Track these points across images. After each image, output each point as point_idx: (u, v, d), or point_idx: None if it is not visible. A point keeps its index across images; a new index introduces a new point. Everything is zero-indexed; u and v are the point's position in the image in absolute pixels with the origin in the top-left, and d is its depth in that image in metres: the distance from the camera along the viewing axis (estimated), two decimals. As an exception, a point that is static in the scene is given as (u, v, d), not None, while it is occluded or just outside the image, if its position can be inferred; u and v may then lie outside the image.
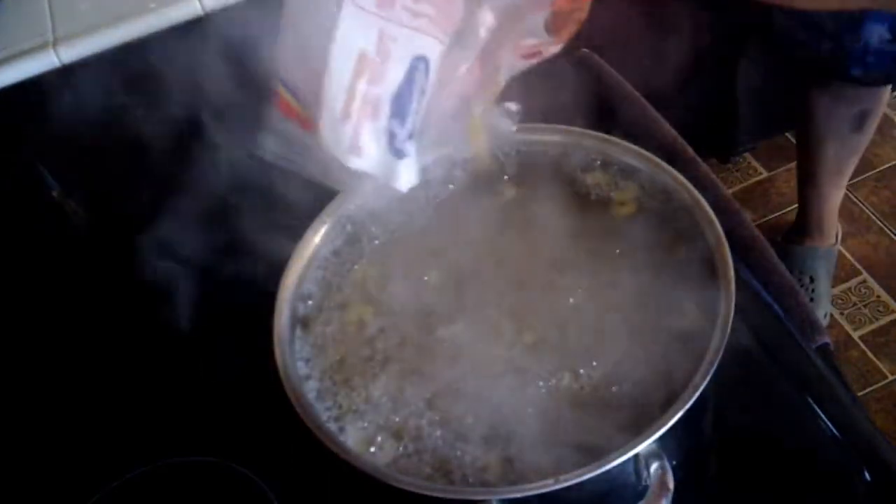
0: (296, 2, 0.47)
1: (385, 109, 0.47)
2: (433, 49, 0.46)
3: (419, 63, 0.46)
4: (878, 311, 1.62)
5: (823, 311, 1.60)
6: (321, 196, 0.70)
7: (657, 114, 0.91)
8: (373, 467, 0.55)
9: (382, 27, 0.45)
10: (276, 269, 0.66)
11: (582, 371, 0.60)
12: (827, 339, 0.75)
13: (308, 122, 0.50)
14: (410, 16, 0.45)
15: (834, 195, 1.57)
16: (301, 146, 0.51)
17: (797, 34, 1.34)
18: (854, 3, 0.75)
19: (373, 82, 0.47)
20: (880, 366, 1.55)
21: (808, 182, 1.58)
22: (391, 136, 0.48)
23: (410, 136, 0.49)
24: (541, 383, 0.60)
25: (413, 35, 0.46)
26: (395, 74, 0.47)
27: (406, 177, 0.51)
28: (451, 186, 0.72)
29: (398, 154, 0.49)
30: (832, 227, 1.62)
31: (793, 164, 1.81)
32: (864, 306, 1.63)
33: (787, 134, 1.86)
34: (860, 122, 1.46)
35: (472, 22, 0.47)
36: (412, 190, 0.71)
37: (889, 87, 1.45)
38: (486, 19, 0.47)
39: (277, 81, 0.52)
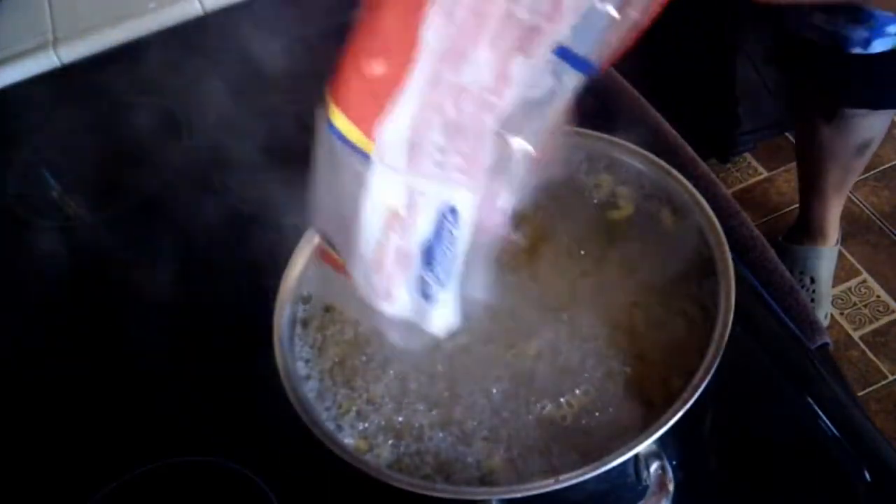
0: (324, 157, 0.48)
1: (415, 260, 0.49)
2: (463, 198, 0.47)
3: (447, 213, 0.47)
4: (878, 311, 1.62)
5: (824, 312, 1.60)
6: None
7: (657, 114, 0.91)
8: (373, 467, 0.55)
9: (411, 183, 0.46)
10: (277, 269, 0.66)
11: (582, 372, 0.60)
12: (827, 339, 0.75)
13: (346, 270, 0.51)
14: (439, 168, 0.46)
15: (835, 203, 1.57)
16: (342, 285, 0.52)
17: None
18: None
19: (403, 236, 0.48)
20: (880, 366, 1.55)
21: (809, 192, 1.57)
22: (422, 284, 0.50)
23: (441, 284, 0.49)
24: (541, 389, 0.60)
25: (441, 187, 0.47)
26: (423, 227, 0.48)
27: (440, 321, 0.52)
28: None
29: (430, 301, 0.50)
30: (834, 229, 1.62)
31: (793, 164, 1.82)
32: (864, 306, 1.63)
33: (787, 134, 1.86)
34: (862, 150, 1.46)
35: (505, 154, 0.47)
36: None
37: (890, 116, 1.44)
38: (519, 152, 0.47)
39: (315, 230, 0.53)
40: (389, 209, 0.47)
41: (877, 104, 1.36)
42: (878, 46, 1.22)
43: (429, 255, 0.48)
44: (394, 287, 0.49)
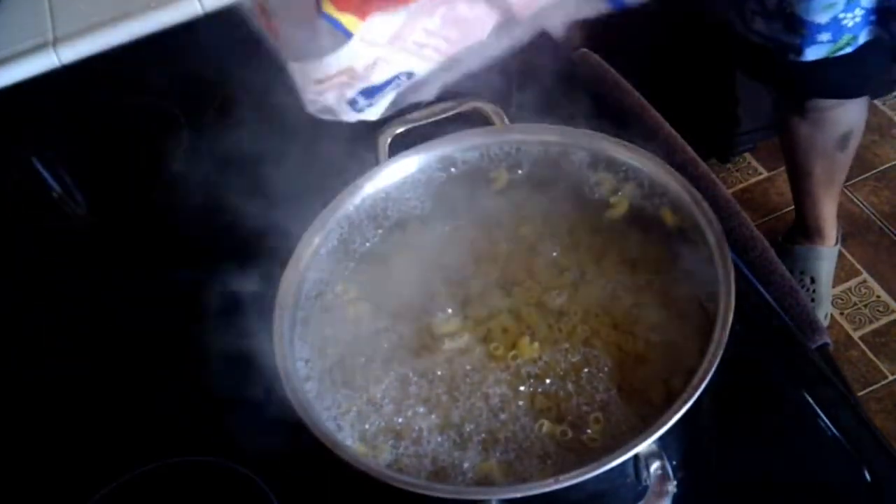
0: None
1: (353, 92, 0.51)
2: (425, 68, 0.49)
3: (403, 75, 0.49)
4: (878, 311, 1.62)
5: (824, 312, 1.60)
6: (321, 198, 0.70)
7: (657, 113, 0.91)
8: (373, 467, 0.55)
9: (380, 55, 0.47)
10: (276, 269, 0.66)
11: (582, 373, 0.60)
12: (827, 339, 0.75)
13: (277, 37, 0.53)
14: (417, 46, 0.47)
15: (828, 201, 1.57)
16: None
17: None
18: None
19: (350, 81, 0.50)
20: (880, 366, 1.55)
21: (800, 191, 1.57)
22: (353, 101, 0.53)
23: (371, 105, 0.53)
24: (540, 387, 0.60)
25: (410, 59, 0.48)
26: (374, 81, 0.49)
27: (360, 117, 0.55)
28: (449, 187, 0.72)
29: (355, 108, 0.54)
30: (832, 229, 1.62)
31: (793, 164, 1.81)
32: (864, 306, 1.63)
33: (787, 134, 1.86)
34: (844, 143, 1.45)
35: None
36: (410, 191, 0.72)
37: (866, 105, 1.44)
38: None
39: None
40: (349, 66, 0.49)
41: (837, 94, 1.35)
42: (811, 55, 1.21)
43: (369, 91, 0.51)
44: (327, 98, 0.52)
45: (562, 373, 0.61)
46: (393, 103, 0.56)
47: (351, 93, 0.52)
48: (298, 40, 0.50)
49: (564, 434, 0.58)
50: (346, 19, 0.46)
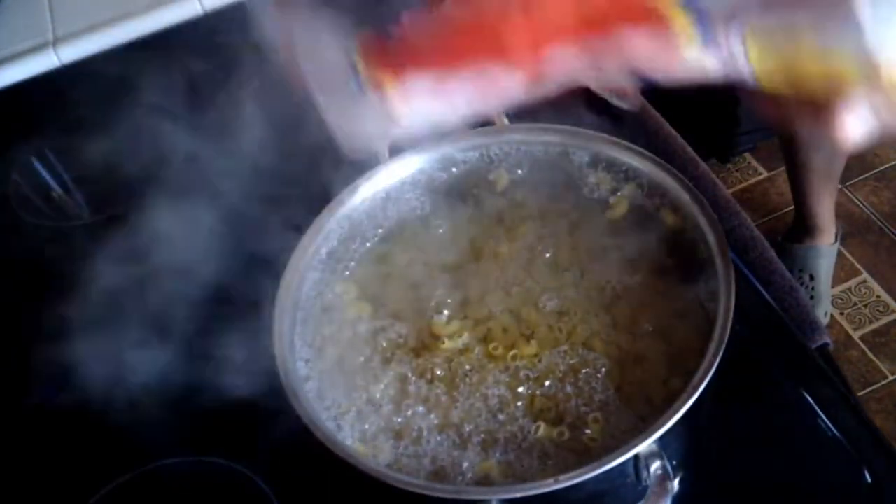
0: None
1: (390, 141, 0.55)
2: (461, 117, 0.51)
3: (440, 125, 0.52)
4: (878, 311, 1.62)
5: (823, 311, 1.60)
6: (324, 196, 0.70)
7: (657, 113, 0.91)
8: (373, 467, 0.55)
9: (416, 109, 0.50)
10: (276, 269, 0.66)
11: (582, 373, 0.60)
12: (827, 339, 0.75)
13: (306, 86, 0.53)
14: (453, 102, 0.49)
15: (827, 197, 1.57)
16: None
17: None
18: None
19: (387, 130, 0.53)
20: (880, 366, 1.55)
21: (799, 186, 1.58)
22: (389, 148, 0.55)
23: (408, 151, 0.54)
24: (539, 390, 0.60)
25: (445, 111, 0.51)
26: (410, 130, 0.52)
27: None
28: (449, 187, 0.72)
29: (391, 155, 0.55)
30: (830, 226, 1.62)
31: (793, 164, 1.81)
32: (864, 306, 1.63)
33: (787, 134, 1.86)
34: None
35: None
36: (410, 191, 0.72)
37: None
38: None
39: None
40: (385, 118, 0.50)
41: None
42: None
43: (405, 139, 0.54)
44: (363, 138, 0.53)
45: (561, 373, 0.61)
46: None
47: (388, 142, 0.52)
48: (331, 87, 0.50)
49: (562, 435, 0.58)
50: (382, 77, 0.47)
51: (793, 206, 1.68)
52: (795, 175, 1.57)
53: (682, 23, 0.37)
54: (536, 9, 0.42)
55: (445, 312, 0.65)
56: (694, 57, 0.37)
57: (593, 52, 0.41)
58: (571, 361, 0.61)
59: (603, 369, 0.60)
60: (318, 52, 0.50)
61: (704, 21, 0.36)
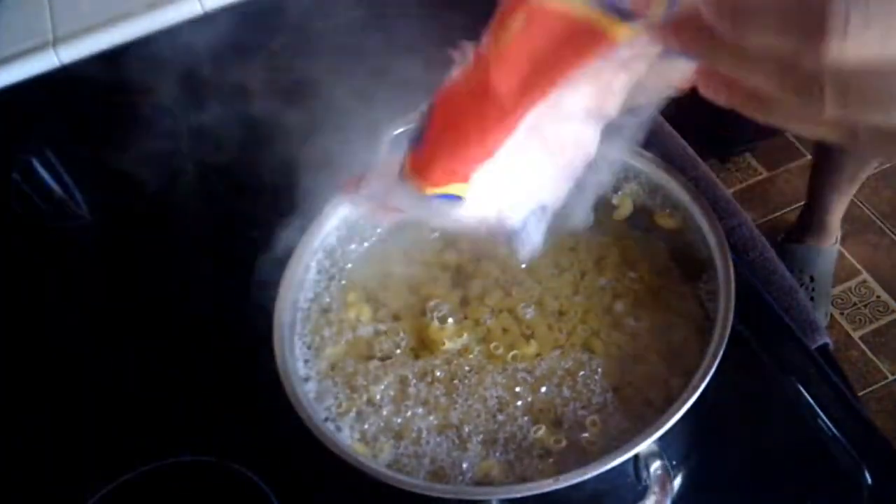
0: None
1: (504, 237, 0.50)
2: (555, 198, 0.48)
3: (537, 210, 0.48)
4: (878, 311, 1.62)
5: (823, 311, 1.60)
6: (320, 198, 0.70)
7: (657, 113, 0.91)
8: (373, 467, 0.55)
9: (499, 204, 0.47)
10: (277, 269, 0.66)
11: (582, 373, 0.60)
12: (827, 339, 0.75)
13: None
14: (529, 182, 0.46)
15: (845, 199, 1.58)
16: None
17: None
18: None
19: (492, 229, 0.49)
20: (880, 366, 1.55)
21: (823, 186, 1.57)
22: (512, 242, 0.50)
23: (530, 238, 0.50)
24: (541, 390, 0.60)
25: (530, 194, 0.48)
26: (511, 223, 0.49)
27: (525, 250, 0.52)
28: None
29: (522, 245, 0.51)
30: (835, 228, 1.62)
31: (793, 164, 1.81)
32: (864, 306, 1.63)
33: (786, 134, 1.86)
34: None
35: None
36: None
37: None
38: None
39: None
40: (476, 222, 0.47)
41: None
42: None
43: (517, 233, 0.49)
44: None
45: (561, 373, 0.61)
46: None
47: (502, 238, 0.50)
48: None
49: (559, 442, 0.58)
50: (451, 189, 0.45)
51: (793, 207, 1.68)
52: (824, 173, 1.56)
53: (598, 17, 0.36)
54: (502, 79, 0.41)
55: (445, 313, 0.65)
56: (624, 35, 0.36)
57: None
58: (571, 361, 0.61)
59: (602, 369, 0.60)
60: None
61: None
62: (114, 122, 0.95)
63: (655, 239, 0.66)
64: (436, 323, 0.64)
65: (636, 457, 0.53)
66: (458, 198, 0.45)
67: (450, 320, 0.65)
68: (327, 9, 0.94)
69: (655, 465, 0.53)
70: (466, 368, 0.62)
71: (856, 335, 1.59)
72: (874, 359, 1.56)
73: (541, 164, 0.46)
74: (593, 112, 0.44)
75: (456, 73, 0.43)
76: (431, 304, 0.66)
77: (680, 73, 0.42)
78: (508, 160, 0.43)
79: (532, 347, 0.62)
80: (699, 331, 0.59)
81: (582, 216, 0.50)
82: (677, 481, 0.62)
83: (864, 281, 1.66)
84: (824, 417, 0.65)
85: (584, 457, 0.56)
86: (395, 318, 0.66)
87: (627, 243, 0.67)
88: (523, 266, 0.67)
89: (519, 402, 0.60)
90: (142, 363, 0.79)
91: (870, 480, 0.62)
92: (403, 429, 0.60)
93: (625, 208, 0.68)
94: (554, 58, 0.38)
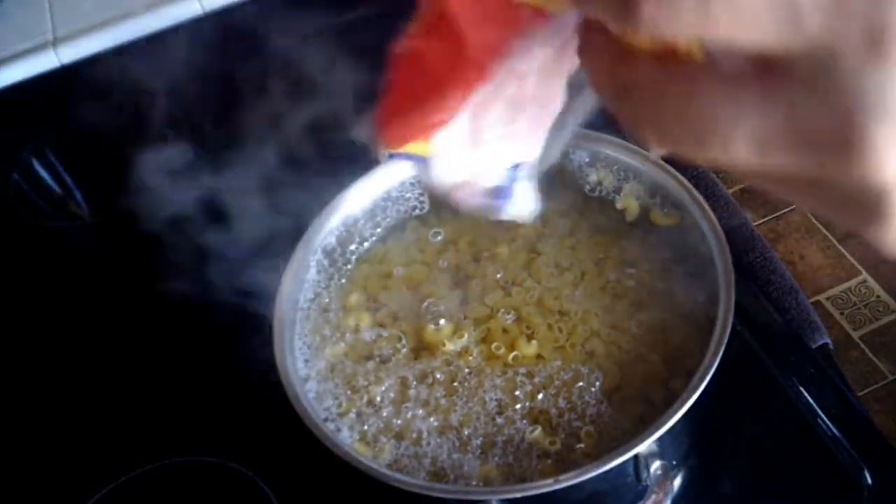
0: None
1: (483, 197, 0.49)
2: (529, 153, 0.47)
3: (513, 168, 0.47)
4: (878, 311, 1.62)
5: None
6: (320, 198, 0.70)
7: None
8: (373, 467, 0.55)
9: (472, 160, 0.46)
10: (277, 269, 0.66)
11: (583, 371, 0.60)
12: (827, 339, 0.75)
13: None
14: (501, 137, 0.46)
15: None
16: None
17: None
18: None
19: (472, 189, 0.48)
20: (880, 366, 1.55)
21: None
22: (492, 206, 0.49)
23: (512, 199, 0.50)
24: (540, 393, 0.60)
25: (504, 150, 0.47)
26: (489, 183, 0.48)
27: (515, 209, 0.52)
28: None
29: (502, 208, 0.50)
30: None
31: (793, 164, 1.81)
32: (864, 306, 1.63)
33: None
34: None
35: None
36: (410, 190, 0.72)
37: None
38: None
39: None
40: (452, 181, 0.47)
41: None
42: None
43: (497, 193, 0.48)
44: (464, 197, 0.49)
45: (561, 375, 0.60)
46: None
47: (481, 198, 0.49)
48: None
49: (557, 443, 0.58)
50: (413, 147, 0.44)
51: (793, 206, 1.68)
52: None
53: None
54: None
55: (445, 313, 0.65)
56: None
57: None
58: (571, 362, 0.61)
59: (603, 369, 0.60)
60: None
61: None
62: (114, 123, 0.95)
63: (655, 239, 0.66)
64: (436, 323, 0.64)
65: (636, 457, 0.53)
66: (422, 158, 0.45)
67: (450, 321, 0.64)
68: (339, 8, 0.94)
69: (655, 465, 0.53)
70: (466, 371, 0.62)
71: (856, 335, 1.59)
72: (874, 359, 1.56)
73: (508, 121, 0.45)
74: (558, 63, 0.44)
75: (415, 25, 0.42)
76: (431, 304, 0.66)
77: None
78: (473, 119, 0.43)
79: (532, 348, 0.62)
80: (699, 331, 0.59)
81: (553, 155, 0.49)
82: (677, 481, 0.62)
83: (864, 281, 1.66)
84: (824, 417, 0.65)
85: (584, 457, 0.56)
86: (395, 318, 0.66)
87: (627, 243, 0.67)
88: (533, 223, 0.66)
89: (518, 406, 0.60)
90: (142, 363, 0.79)
91: (870, 480, 0.62)
92: (404, 430, 0.60)
93: (631, 210, 0.68)
94: (516, 10, 0.38)
